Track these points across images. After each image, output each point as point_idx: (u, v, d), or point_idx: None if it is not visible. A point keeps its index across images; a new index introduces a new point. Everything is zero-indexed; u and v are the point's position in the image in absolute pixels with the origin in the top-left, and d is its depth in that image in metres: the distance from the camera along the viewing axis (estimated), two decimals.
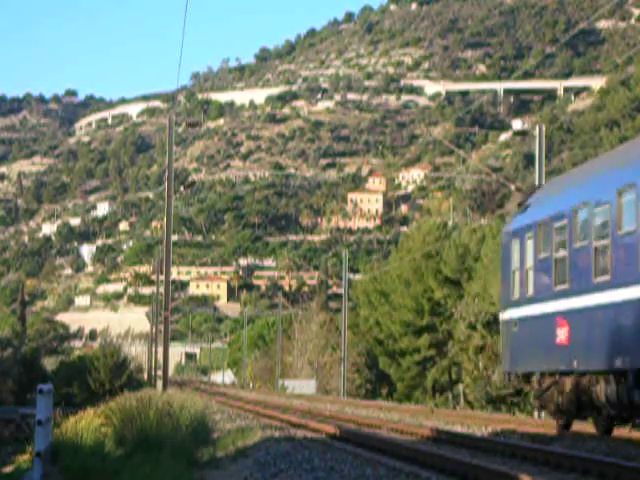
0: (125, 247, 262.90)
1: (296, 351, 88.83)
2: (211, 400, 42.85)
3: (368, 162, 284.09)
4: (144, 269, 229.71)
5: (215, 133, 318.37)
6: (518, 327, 22.28)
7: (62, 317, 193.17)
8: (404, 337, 61.20)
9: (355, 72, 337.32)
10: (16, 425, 30.90)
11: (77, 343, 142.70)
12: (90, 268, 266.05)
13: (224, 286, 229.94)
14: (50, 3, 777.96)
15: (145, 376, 56.75)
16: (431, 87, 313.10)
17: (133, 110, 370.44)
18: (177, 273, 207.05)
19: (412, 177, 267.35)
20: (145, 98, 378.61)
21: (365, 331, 69.73)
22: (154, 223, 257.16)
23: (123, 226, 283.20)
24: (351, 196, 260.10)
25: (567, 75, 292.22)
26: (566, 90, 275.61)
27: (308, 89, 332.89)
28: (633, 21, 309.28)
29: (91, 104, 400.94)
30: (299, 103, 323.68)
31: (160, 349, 46.63)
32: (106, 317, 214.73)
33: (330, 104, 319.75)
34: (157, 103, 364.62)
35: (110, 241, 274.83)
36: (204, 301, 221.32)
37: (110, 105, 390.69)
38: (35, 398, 15.33)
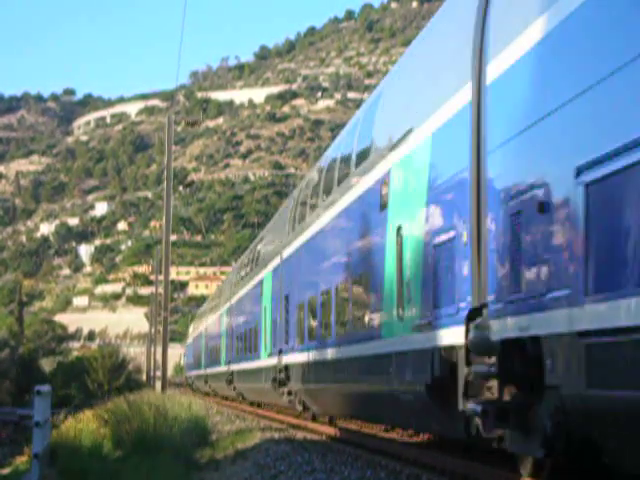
0: (124, 247, 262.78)
1: None
2: (210, 401, 42.73)
3: None
4: (143, 269, 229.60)
5: (214, 132, 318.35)
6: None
7: (60, 318, 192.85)
8: None
9: (355, 70, 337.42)
10: (14, 426, 30.77)
11: (75, 344, 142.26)
12: (88, 268, 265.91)
13: None
14: (48, 2, 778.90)
15: (144, 377, 56.66)
16: None
17: (132, 109, 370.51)
18: (176, 273, 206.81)
19: None
20: (144, 97, 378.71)
21: None
22: (153, 223, 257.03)
23: (122, 226, 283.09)
24: None
25: None
26: None
27: (308, 88, 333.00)
28: None
29: (89, 103, 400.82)
30: (299, 102, 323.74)
31: (159, 350, 46.51)
32: (104, 318, 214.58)
33: (330, 103, 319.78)
34: (156, 102, 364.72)
35: (108, 241, 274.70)
36: (203, 301, 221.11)
37: (108, 104, 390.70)
38: (33, 399, 15.20)
